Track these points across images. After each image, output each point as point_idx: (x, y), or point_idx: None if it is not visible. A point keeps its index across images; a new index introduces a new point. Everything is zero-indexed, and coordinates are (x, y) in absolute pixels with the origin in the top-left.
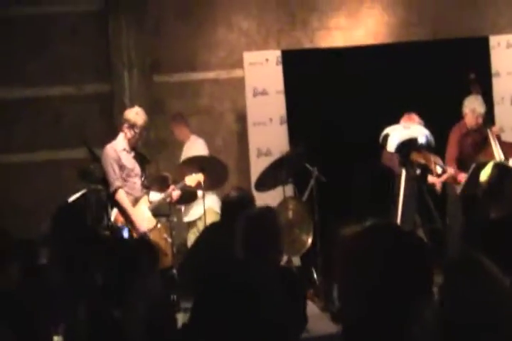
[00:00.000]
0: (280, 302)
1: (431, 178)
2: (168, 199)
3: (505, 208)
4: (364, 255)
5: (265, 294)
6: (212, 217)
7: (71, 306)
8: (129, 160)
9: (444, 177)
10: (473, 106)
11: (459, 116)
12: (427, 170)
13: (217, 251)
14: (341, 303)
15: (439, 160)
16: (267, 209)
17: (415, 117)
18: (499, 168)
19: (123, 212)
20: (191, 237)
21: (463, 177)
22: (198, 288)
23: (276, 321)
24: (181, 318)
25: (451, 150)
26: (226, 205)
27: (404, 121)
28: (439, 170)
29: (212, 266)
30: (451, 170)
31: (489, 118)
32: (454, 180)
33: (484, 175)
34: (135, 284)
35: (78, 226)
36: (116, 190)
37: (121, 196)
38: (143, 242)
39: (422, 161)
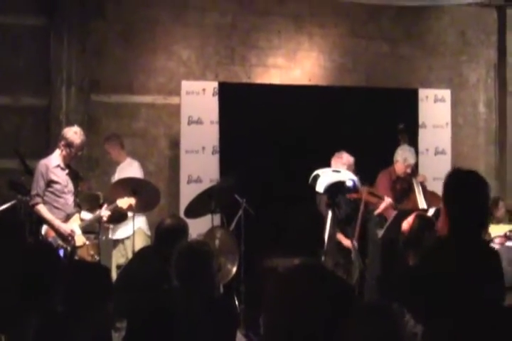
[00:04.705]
0: (205, 331)
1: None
2: (99, 219)
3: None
4: (292, 293)
5: (189, 322)
6: (141, 238)
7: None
8: (62, 177)
9: (383, 206)
10: (405, 156)
11: (385, 161)
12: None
13: (149, 277)
14: (266, 334)
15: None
16: (202, 243)
17: (345, 155)
18: (421, 219)
19: (46, 223)
20: (117, 254)
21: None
22: (131, 313)
23: None
24: (115, 338)
25: (384, 192)
26: (160, 232)
27: (334, 160)
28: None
29: (144, 291)
30: (388, 199)
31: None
32: (391, 207)
33: (406, 224)
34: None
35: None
36: (34, 206)
37: (40, 209)
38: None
39: (374, 200)
